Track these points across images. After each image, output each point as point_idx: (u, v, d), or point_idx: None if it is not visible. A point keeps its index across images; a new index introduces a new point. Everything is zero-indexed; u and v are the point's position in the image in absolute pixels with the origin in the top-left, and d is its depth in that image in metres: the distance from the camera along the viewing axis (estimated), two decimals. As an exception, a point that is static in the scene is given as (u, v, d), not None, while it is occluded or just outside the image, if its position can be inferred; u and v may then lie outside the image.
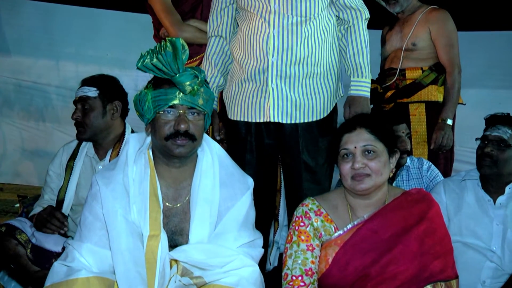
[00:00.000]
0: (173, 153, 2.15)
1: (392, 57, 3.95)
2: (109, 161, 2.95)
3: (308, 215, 2.26)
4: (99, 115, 3.01)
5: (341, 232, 2.21)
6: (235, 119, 2.79)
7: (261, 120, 2.70)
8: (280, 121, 2.68)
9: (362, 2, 2.80)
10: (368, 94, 2.78)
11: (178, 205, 2.24)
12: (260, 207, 2.41)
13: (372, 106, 3.87)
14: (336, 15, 2.79)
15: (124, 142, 3.01)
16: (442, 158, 3.72)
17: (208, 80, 2.89)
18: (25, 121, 6.22)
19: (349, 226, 2.21)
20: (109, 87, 3.08)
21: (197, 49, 3.37)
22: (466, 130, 4.83)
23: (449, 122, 3.63)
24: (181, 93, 2.11)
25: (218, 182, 2.25)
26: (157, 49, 2.04)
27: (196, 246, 2.15)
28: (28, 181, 6.17)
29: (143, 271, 2.09)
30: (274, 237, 3.53)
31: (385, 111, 3.87)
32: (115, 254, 2.10)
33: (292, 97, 2.67)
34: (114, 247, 2.11)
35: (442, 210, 2.44)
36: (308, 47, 2.66)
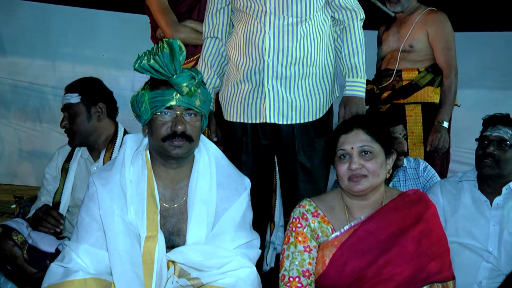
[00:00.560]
0: (170, 154, 2.15)
1: (389, 58, 3.95)
2: (103, 162, 2.95)
3: (305, 216, 2.26)
4: (84, 120, 3.00)
5: (338, 233, 2.21)
6: (231, 120, 2.80)
7: (257, 121, 2.70)
8: (276, 122, 2.68)
9: (358, 2, 2.80)
10: (363, 95, 2.78)
11: (175, 205, 2.24)
12: (256, 207, 2.41)
13: (368, 106, 3.88)
14: (332, 16, 2.79)
15: (117, 142, 3.01)
16: (438, 159, 3.72)
17: (204, 81, 2.88)
18: (22, 122, 6.22)
19: (346, 227, 2.21)
20: (90, 90, 3.05)
21: (193, 50, 3.37)
22: (462, 131, 4.85)
23: (445, 124, 3.64)
24: (178, 94, 2.11)
25: (215, 183, 2.26)
26: (154, 50, 2.04)
27: (193, 247, 2.15)
28: (25, 182, 6.17)
29: (140, 272, 2.08)
30: (270, 238, 3.53)
31: (382, 112, 3.87)
32: (112, 255, 2.10)
33: (288, 97, 2.67)
34: (111, 248, 2.10)
35: (439, 211, 2.43)
36: (303, 48, 2.66)
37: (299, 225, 2.25)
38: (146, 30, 3.63)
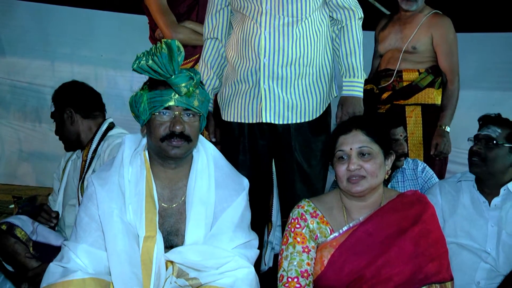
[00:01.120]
0: (168, 154, 2.16)
1: (389, 57, 3.94)
2: (81, 159, 3.04)
3: (304, 217, 2.26)
4: (62, 126, 3.09)
5: (336, 234, 2.21)
6: (228, 120, 2.80)
7: (254, 121, 2.71)
8: (272, 122, 2.68)
9: (356, 1, 2.80)
10: (360, 94, 2.78)
11: (174, 205, 2.24)
12: (254, 208, 2.41)
13: (367, 107, 3.87)
14: (330, 15, 2.79)
15: (94, 139, 3.04)
16: (438, 160, 3.73)
17: (204, 82, 2.89)
18: (21, 122, 6.22)
19: (345, 228, 2.21)
20: (59, 97, 3.12)
21: (191, 50, 3.38)
22: (461, 131, 4.83)
23: (448, 129, 3.66)
24: (177, 95, 2.11)
25: (213, 183, 2.26)
26: (153, 51, 2.05)
27: (192, 248, 2.15)
28: (24, 182, 6.16)
29: (138, 272, 2.09)
30: (268, 238, 3.53)
31: (382, 113, 3.87)
32: (111, 255, 2.10)
33: (284, 97, 2.67)
34: (110, 248, 2.11)
35: (437, 211, 2.44)
36: (300, 48, 2.66)
37: (297, 226, 2.25)
38: (145, 30, 3.64)
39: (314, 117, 2.73)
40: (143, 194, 2.18)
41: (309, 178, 2.71)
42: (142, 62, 2.05)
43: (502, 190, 2.72)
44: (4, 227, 2.75)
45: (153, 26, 3.50)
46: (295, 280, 2.16)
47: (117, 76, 5.90)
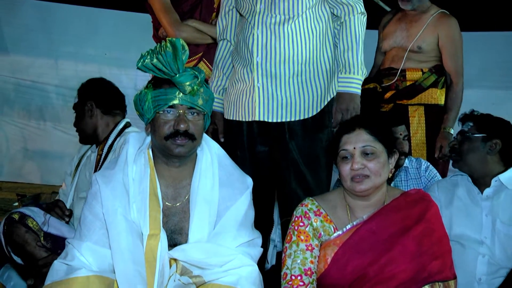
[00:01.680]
0: (172, 153, 2.16)
1: (393, 56, 3.91)
2: (96, 154, 3.08)
3: (307, 215, 2.26)
4: (81, 118, 3.16)
5: (340, 232, 2.22)
6: (229, 118, 2.83)
7: (250, 119, 2.73)
8: (266, 120, 2.69)
9: None
10: (356, 91, 2.74)
11: (178, 204, 2.25)
12: (258, 206, 2.41)
13: (370, 105, 3.87)
14: (331, 12, 2.79)
15: (110, 137, 3.08)
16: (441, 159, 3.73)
17: (214, 83, 2.92)
18: (25, 120, 6.23)
19: (348, 226, 2.22)
20: (82, 90, 3.21)
21: (194, 49, 3.38)
22: (463, 130, 4.85)
23: (452, 131, 3.65)
24: (181, 93, 2.12)
25: (217, 181, 2.26)
26: (157, 49, 2.05)
27: (195, 245, 2.16)
28: (28, 180, 6.17)
29: (142, 270, 2.09)
30: (269, 235, 3.54)
31: (384, 111, 3.86)
32: (115, 253, 2.11)
33: (278, 96, 2.68)
34: (114, 246, 2.11)
35: None
36: (292, 46, 2.66)
37: (301, 224, 2.26)
38: (148, 29, 3.64)
39: (310, 115, 2.72)
40: (147, 192, 2.19)
41: (306, 176, 2.70)
42: (146, 60, 2.06)
43: (493, 182, 2.74)
44: (16, 216, 2.78)
45: (156, 25, 3.51)
46: (299, 278, 2.16)
47: (121, 75, 5.90)
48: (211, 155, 2.31)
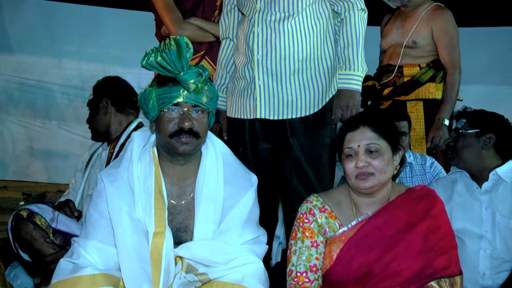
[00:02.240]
0: (177, 151, 2.17)
1: (391, 53, 3.94)
2: (107, 153, 3.10)
3: (312, 212, 2.27)
4: (94, 115, 3.19)
5: (345, 228, 2.22)
6: (231, 116, 2.84)
7: (251, 117, 2.73)
8: (267, 118, 2.70)
9: None
10: (356, 88, 2.75)
11: (183, 202, 2.25)
12: (262, 203, 2.42)
13: (369, 103, 3.88)
14: (332, 9, 2.79)
15: (122, 136, 3.10)
16: (441, 154, 3.72)
17: (218, 81, 2.93)
18: (30, 120, 6.23)
19: (354, 222, 2.22)
20: (98, 87, 3.24)
21: (197, 47, 3.38)
22: (469, 126, 4.83)
23: (446, 122, 3.64)
24: (185, 91, 2.12)
25: (222, 179, 2.27)
26: (162, 47, 2.06)
27: (201, 243, 2.16)
28: (34, 179, 6.17)
29: (148, 268, 2.10)
30: (274, 232, 3.54)
31: (383, 108, 3.86)
32: (121, 251, 2.11)
33: (280, 93, 2.68)
34: (120, 244, 2.12)
35: None
36: (293, 43, 2.67)
37: (306, 221, 2.26)
38: (152, 27, 3.65)
39: (311, 112, 2.72)
40: (152, 190, 2.19)
41: (307, 173, 2.70)
42: (151, 58, 2.06)
43: (491, 175, 2.76)
44: (24, 213, 2.79)
45: (159, 23, 3.51)
46: (304, 274, 2.17)
47: (125, 73, 5.86)
48: (215, 153, 2.31)
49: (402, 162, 3.42)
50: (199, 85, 2.12)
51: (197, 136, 2.17)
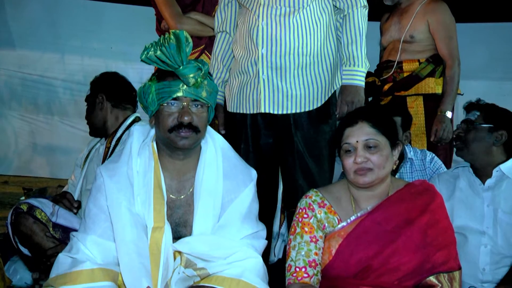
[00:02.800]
0: (176, 145, 2.16)
1: (390, 49, 3.94)
2: (104, 148, 3.12)
3: (311, 207, 2.26)
4: (91, 110, 3.20)
5: (344, 223, 2.21)
6: (232, 111, 2.83)
7: (254, 112, 2.73)
8: (271, 112, 2.69)
9: None
10: (360, 83, 2.77)
11: (182, 197, 2.25)
12: (262, 198, 2.42)
13: (370, 99, 3.88)
14: (334, 5, 2.79)
15: (118, 131, 3.11)
16: (442, 149, 3.71)
17: (214, 75, 2.92)
18: (33, 115, 6.24)
19: (353, 217, 2.21)
20: (94, 82, 3.25)
21: (196, 41, 3.38)
22: (470, 122, 4.82)
23: (448, 114, 3.62)
24: (185, 86, 2.12)
25: (221, 174, 2.26)
26: (161, 42, 2.05)
27: (200, 238, 2.16)
28: (36, 174, 6.19)
29: (147, 263, 2.10)
30: (280, 230, 3.53)
31: (383, 104, 3.86)
32: (120, 246, 2.12)
33: (284, 87, 2.67)
34: (119, 239, 2.12)
35: None
36: (297, 38, 2.66)
37: (305, 216, 2.25)
38: (154, 22, 3.64)
39: (315, 107, 2.72)
40: (152, 185, 2.19)
41: (311, 168, 2.70)
42: (150, 53, 2.06)
43: (494, 172, 2.75)
44: (24, 207, 2.79)
45: (159, 18, 3.51)
46: (303, 270, 2.16)
47: (127, 68, 5.89)
48: (215, 148, 2.31)
49: (402, 157, 3.44)
50: (199, 79, 2.12)
51: (197, 131, 2.16)
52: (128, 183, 2.20)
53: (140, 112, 3.03)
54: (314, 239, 2.21)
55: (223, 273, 2.10)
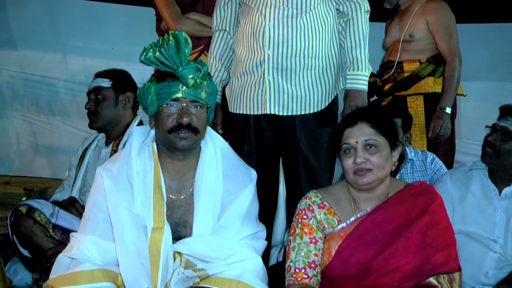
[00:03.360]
0: (176, 146, 2.17)
1: (391, 50, 3.95)
2: (111, 149, 3.10)
3: (311, 208, 2.26)
4: (111, 105, 3.14)
5: (344, 224, 2.21)
6: (235, 112, 2.82)
7: (259, 113, 2.72)
8: (277, 113, 2.69)
9: None
10: (364, 88, 2.77)
11: (182, 197, 2.25)
12: (262, 199, 2.42)
13: (372, 99, 3.88)
14: (337, 8, 2.79)
15: (126, 132, 3.11)
16: (442, 149, 3.70)
17: (212, 74, 2.90)
18: (35, 115, 6.25)
19: (352, 219, 2.21)
20: (121, 79, 3.22)
21: (196, 41, 3.38)
22: (472, 122, 4.80)
23: (448, 110, 3.61)
24: (184, 86, 2.12)
25: (221, 174, 2.27)
26: (160, 43, 2.05)
27: (199, 239, 2.16)
28: (37, 174, 6.19)
29: (146, 263, 2.10)
30: (284, 236, 3.51)
31: (384, 105, 3.86)
32: (119, 247, 2.12)
33: (289, 89, 2.68)
34: (118, 240, 2.12)
35: (447, 198, 2.52)
36: (304, 40, 2.66)
37: (305, 217, 2.25)
38: (155, 23, 3.64)
39: (320, 109, 2.73)
40: (151, 185, 2.19)
41: (314, 169, 2.71)
42: (149, 54, 2.06)
43: None
44: (23, 209, 2.79)
45: (159, 18, 3.52)
46: (303, 271, 2.16)
47: (129, 69, 5.84)
48: (214, 148, 2.31)
49: (402, 158, 3.44)
50: (198, 80, 2.12)
51: (196, 132, 2.16)
52: (127, 184, 2.20)
53: (140, 112, 3.03)
54: (313, 240, 2.21)
55: (223, 274, 2.10)
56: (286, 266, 2.22)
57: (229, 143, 2.45)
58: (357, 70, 2.76)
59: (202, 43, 3.41)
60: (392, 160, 2.23)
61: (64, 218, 2.86)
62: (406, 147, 3.44)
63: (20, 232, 2.77)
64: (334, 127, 2.73)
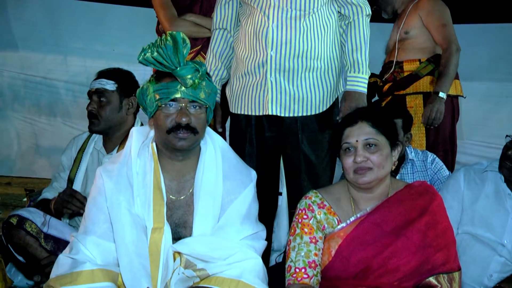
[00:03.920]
0: (175, 146, 2.17)
1: (391, 50, 3.98)
2: None
3: (311, 208, 2.26)
4: (115, 109, 3.04)
5: (344, 224, 2.21)
6: (236, 112, 2.82)
7: (260, 113, 2.73)
8: (279, 114, 2.70)
9: None
10: (364, 90, 2.78)
11: (182, 197, 2.25)
12: (262, 199, 2.42)
13: (373, 99, 3.88)
14: (338, 11, 2.80)
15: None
16: (442, 150, 3.70)
17: (211, 73, 2.91)
18: (36, 116, 6.26)
19: (352, 218, 2.21)
20: (127, 82, 3.10)
21: (192, 42, 3.38)
22: (474, 123, 4.80)
23: (442, 95, 3.60)
24: (183, 87, 2.12)
25: (221, 175, 2.26)
26: (158, 43, 2.05)
27: (199, 239, 2.16)
28: (38, 175, 6.20)
29: (146, 264, 2.10)
30: (273, 228, 3.51)
31: (384, 104, 3.86)
32: (119, 247, 2.12)
33: (291, 90, 2.68)
34: (118, 240, 2.12)
35: (457, 197, 2.58)
36: (307, 41, 2.67)
37: (305, 217, 2.25)
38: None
39: (321, 111, 2.74)
40: (151, 186, 2.19)
41: (316, 170, 2.72)
42: (147, 54, 2.06)
43: None
44: (14, 220, 2.75)
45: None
46: (303, 270, 2.16)
47: (129, 70, 5.91)
48: (214, 149, 2.31)
49: (402, 158, 3.44)
50: (196, 80, 2.11)
51: (195, 132, 2.16)
52: (127, 184, 2.20)
53: (140, 112, 3.02)
54: (313, 240, 2.21)
55: (223, 274, 2.10)
56: (286, 266, 2.22)
57: (231, 143, 2.45)
58: (358, 72, 2.77)
59: (199, 43, 3.41)
60: (392, 159, 2.24)
61: (55, 227, 2.80)
62: (406, 148, 3.44)
63: (14, 243, 2.75)
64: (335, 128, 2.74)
